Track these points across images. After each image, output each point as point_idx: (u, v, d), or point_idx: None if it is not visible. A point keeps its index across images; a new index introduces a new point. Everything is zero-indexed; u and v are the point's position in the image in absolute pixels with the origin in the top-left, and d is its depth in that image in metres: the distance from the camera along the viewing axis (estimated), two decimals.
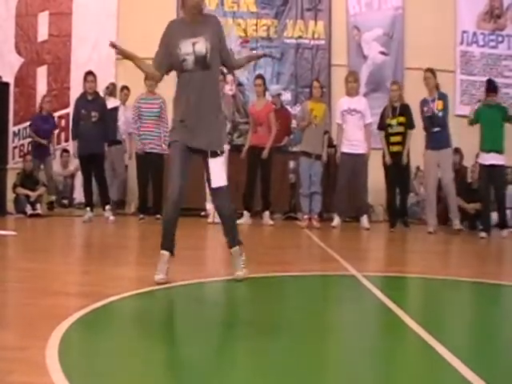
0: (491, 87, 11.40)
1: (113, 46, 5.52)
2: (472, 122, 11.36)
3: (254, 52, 6.24)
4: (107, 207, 11.75)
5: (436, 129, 11.34)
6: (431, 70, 11.61)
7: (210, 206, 11.76)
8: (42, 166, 13.88)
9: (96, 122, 11.58)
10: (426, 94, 11.72)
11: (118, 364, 3.41)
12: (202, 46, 5.54)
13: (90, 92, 11.69)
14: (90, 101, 11.66)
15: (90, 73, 11.80)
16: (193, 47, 5.53)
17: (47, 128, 14.09)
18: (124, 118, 13.39)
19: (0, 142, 13.22)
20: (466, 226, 12.08)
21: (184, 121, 5.57)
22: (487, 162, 11.13)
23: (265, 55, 6.25)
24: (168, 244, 5.61)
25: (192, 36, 5.56)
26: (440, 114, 11.36)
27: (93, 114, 11.54)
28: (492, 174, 11.09)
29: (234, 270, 5.81)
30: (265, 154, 11.93)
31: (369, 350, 3.83)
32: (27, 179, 13.05)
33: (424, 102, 11.55)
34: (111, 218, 11.62)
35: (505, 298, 5.87)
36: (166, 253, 5.59)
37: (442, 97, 11.52)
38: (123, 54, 5.67)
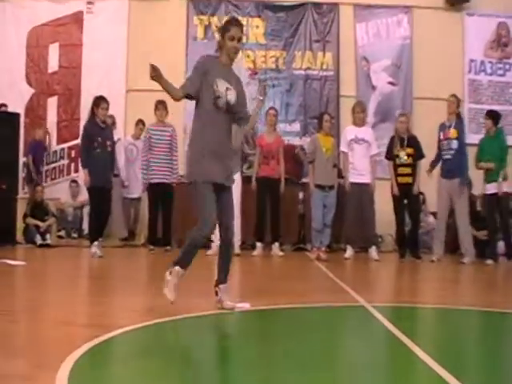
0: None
1: (153, 68, 5.58)
2: (477, 160, 11.52)
3: (258, 99, 6.27)
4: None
5: (447, 156, 11.37)
6: (455, 96, 11.64)
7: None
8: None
9: (110, 152, 11.23)
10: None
11: None
12: (232, 95, 5.80)
13: (102, 119, 11.12)
14: (104, 129, 11.14)
15: (104, 98, 11.11)
16: (226, 91, 5.75)
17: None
18: (137, 152, 13.54)
19: (10, 171, 13.32)
20: (475, 254, 12.08)
21: (216, 153, 5.71)
22: (488, 192, 11.31)
23: (265, 89, 6.34)
24: (187, 264, 5.68)
25: (226, 80, 5.80)
26: (454, 142, 11.36)
27: (108, 143, 11.12)
28: (496, 202, 11.33)
29: (223, 301, 5.89)
30: (282, 188, 12.15)
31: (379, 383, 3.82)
32: (37, 209, 13.10)
33: (441, 127, 11.62)
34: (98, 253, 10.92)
35: None
36: (181, 271, 5.66)
37: (459, 125, 11.54)
38: (158, 78, 5.70)
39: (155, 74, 5.53)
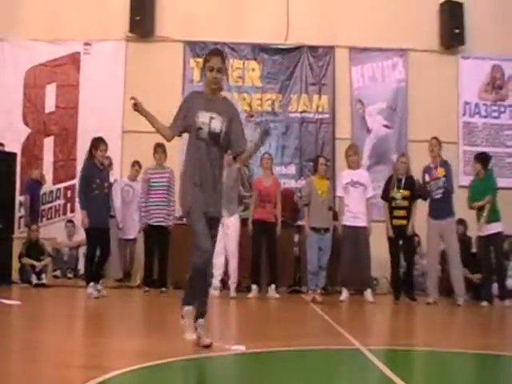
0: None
1: (134, 101, 5.74)
2: (470, 201, 11.58)
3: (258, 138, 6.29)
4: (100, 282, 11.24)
5: (437, 196, 11.45)
6: (437, 139, 11.76)
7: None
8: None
9: (107, 193, 11.28)
10: None
11: None
12: (217, 124, 5.82)
13: (100, 161, 11.06)
14: (102, 170, 11.10)
15: (103, 140, 11.02)
16: (209, 120, 5.80)
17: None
18: (133, 193, 13.66)
19: (6, 211, 13.32)
20: (470, 296, 12.07)
21: (201, 184, 5.78)
22: (482, 233, 11.45)
23: (267, 132, 6.35)
24: (192, 301, 5.78)
25: (211, 110, 5.84)
26: (442, 180, 11.46)
27: (105, 184, 11.12)
28: (488, 243, 11.41)
29: (200, 338, 5.91)
30: (279, 230, 12.18)
31: None
32: (33, 249, 13.10)
33: (427, 169, 11.76)
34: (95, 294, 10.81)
35: (509, 370, 5.83)
36: (190, 308, 5.74)
37: (444, 164, 11.66)
38: (141, 111, 5.92)
39: (136, 108, 5.79)
